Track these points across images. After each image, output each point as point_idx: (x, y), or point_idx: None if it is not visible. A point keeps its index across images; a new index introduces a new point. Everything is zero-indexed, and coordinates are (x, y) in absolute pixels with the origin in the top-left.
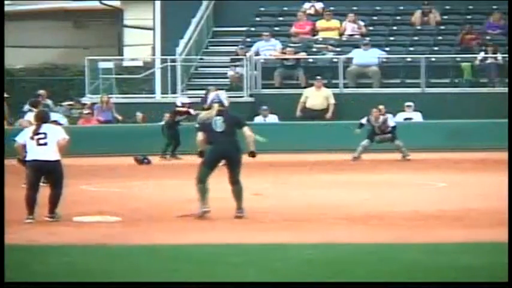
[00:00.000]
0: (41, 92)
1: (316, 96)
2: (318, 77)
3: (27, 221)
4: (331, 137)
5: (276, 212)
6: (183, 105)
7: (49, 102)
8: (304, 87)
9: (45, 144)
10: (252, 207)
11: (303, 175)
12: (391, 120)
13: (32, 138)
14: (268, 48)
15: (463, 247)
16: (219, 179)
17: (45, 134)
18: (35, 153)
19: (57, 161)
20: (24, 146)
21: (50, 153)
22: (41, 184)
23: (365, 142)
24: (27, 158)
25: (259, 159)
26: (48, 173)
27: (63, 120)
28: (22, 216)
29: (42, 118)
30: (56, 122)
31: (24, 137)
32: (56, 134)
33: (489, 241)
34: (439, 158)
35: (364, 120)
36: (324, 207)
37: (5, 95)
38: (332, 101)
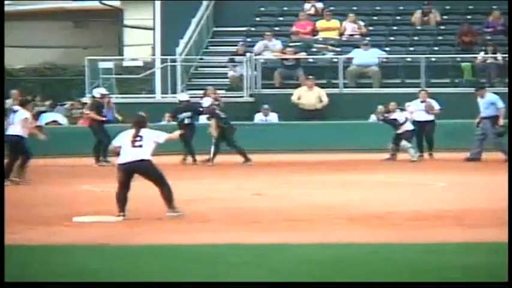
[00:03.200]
0: (13, 91)
1: (309, 96)
2: (310, 77)
3: (117, 218)
4: (331, 137)
5: (276, 212)
6: (180, 102)
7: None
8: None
9: (140, 146)
10: (252, 207)
11: (303, 175)
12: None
13: (130, 142)
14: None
15: (463, 247)
16: (218, 179)
17: (141, 137)
18: (128, 154)
19: (149, 160)
20: (119, 149)
21: (143, 153)
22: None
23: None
24: (119, 161)
25: (259, 159)
26: (141, 173)
27: (63, 120)
28: (22, 216)
29: (140, 123)
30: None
31: (120, 141)
32: (152, 136)
33: (489, 241)
34: (439, 158)
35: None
36: (324, 207)
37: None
38: (325, 99)
